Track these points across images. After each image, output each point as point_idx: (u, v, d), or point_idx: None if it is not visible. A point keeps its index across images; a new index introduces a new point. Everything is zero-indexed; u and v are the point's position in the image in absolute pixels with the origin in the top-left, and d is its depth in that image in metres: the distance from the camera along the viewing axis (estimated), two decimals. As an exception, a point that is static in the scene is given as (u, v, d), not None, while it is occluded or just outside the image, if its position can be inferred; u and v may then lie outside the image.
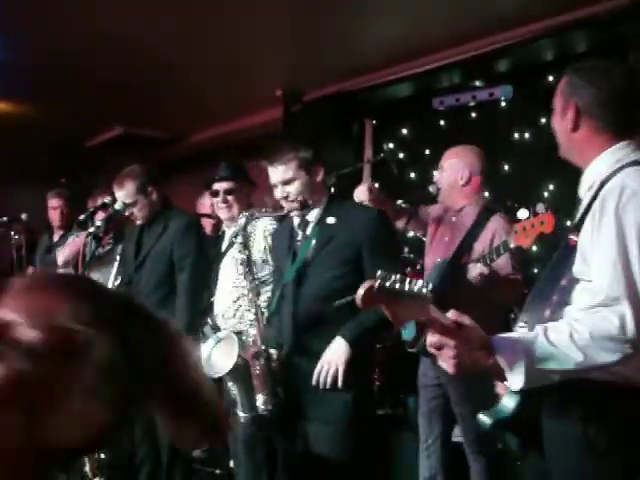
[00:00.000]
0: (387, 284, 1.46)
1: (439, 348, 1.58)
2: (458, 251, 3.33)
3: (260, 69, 5.63)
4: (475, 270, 3.10)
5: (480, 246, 3.28)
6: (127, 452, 3.58)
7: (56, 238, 5.00)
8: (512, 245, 2.91)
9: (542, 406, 1.75)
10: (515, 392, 1.69)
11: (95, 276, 4.42)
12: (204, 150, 7.59)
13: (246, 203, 3.38)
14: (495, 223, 3.35)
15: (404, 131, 6.12)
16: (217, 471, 4.46)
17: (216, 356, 2.87)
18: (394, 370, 4.36)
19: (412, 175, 5.82)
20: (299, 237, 2.87)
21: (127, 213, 3.52)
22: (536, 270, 4.19)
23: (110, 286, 3.64)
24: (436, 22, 4.63)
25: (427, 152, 5.69)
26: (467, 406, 3.19)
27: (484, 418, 1.76)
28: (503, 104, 5.17)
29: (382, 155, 4.29)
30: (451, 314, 1.59)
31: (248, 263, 2.92)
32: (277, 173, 2.79)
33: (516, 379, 1.58)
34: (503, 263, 3.20)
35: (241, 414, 2.81)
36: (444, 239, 3.52)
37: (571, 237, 1.75)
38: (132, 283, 3.61)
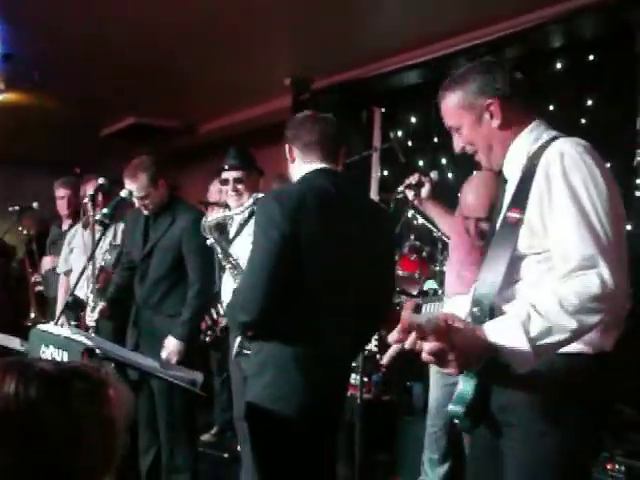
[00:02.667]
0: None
1: (439, 355, 1.57)
2: None
3: (269, 58, 5.66)
4: None
5: None
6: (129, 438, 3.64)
7: (65, 227, 5.04)
8: None
9: (495, 384, 1.78)
10: (470, 375, 1.73)
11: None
12: (214, 139, 7.65)
13: (255, 190, 3.42)
14: None
15: (412, 119, 6.12)
16: (225, 455, 4.53)
17: None
18: (399, 357, 4.39)
19: (420, 162, 5.83)
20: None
21: (137, 203, 3.57)
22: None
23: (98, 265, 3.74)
24: (444, 9, 4.62)
25: (435, 140, 5.69)
26: None
27: (456, 408, 1.76)
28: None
29: (388, 143, 4.26)
30: (443, 316, 1.60)
31: None
32: None
33: (525, 363, 1.59)
34: None
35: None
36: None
37: (509, 215, 1.77)
38: (137, 271, 3.67)
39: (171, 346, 3.42)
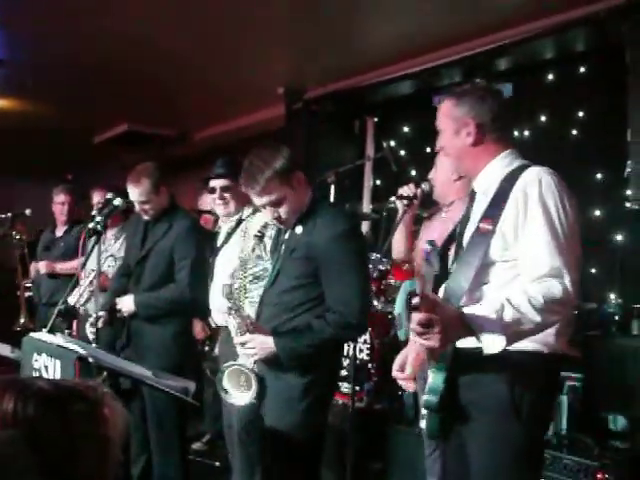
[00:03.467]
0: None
1: (427, 326, 1.78)
2: (447, 241, 3.36)
3: (262, 67, 5.69)
4: None
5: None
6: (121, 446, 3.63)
7: (59, 233, 5.04)
8: None
9: (460, 379, 2.05)
10: (439, 369, 2.01)
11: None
12: (207, 147, 7.66)
13: (244, 199, 3.42)
14: None
15: (405, 129, 6.16)
16: (216, 463, 4.52)
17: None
18: (391, 365, 4.39)
19: (413, 172, 5.86)
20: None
21: (138, 207, 3.60)
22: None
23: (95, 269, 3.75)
24: (436, 21, 4.67)
25: (428, 150, 5.72)
26: None
27: (430, 398, 2.00)
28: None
29: (381, 152, 4.28)
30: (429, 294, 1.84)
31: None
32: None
33: (496, 344, 1.84)
34: None
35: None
36: (433, 234, 3.54)
37: (482, 225, 2.04)
38: (133, 275, 3.68)
39: (125, 301, 3.55)
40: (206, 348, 4.48)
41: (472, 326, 1.85)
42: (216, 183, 3.38)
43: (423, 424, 2.16)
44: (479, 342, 1.85)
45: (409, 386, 2.31)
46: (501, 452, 2.01)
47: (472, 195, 2.25)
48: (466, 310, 1.89)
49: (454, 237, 3.30)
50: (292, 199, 2.68)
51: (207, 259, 3.54)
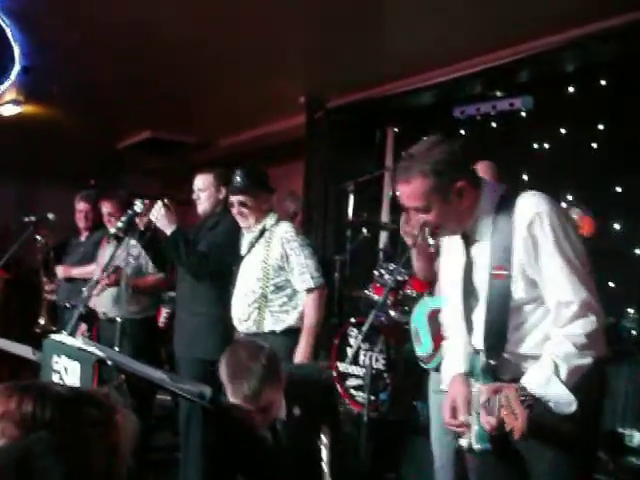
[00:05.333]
0: None
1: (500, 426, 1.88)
2: None
3: (285, 76, 5.74)
4: None
5: None
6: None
7: (82, 239, 5.14)
8: None
9: None
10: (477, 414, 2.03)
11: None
12: (229, 155, 7.72)
13: (264, 210, 3.45)
14: None
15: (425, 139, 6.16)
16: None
17: None
18: (406, 376, 4.39)
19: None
20: None
21: (194, 196, 3.73)
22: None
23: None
24: (458, 33, 4.69)
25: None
26: None
27: (484, 446, 2.04)
28: (523, 114, 5.21)
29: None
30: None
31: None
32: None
33: (567, 406, 1.88)
34: None
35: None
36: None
37: (496, 272, 2.03)
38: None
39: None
40: None
41: (541, 401, 1.89)
42: (234, 199, 3.43)
43: (463, 442, 2.12)
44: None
45: (463, 431, 2.17)
46: (562, 459, 2.03)
47: (465, 239, 2.16)
48: (530, 384, 1.91)
49: None
50: None
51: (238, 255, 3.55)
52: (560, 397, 1.89)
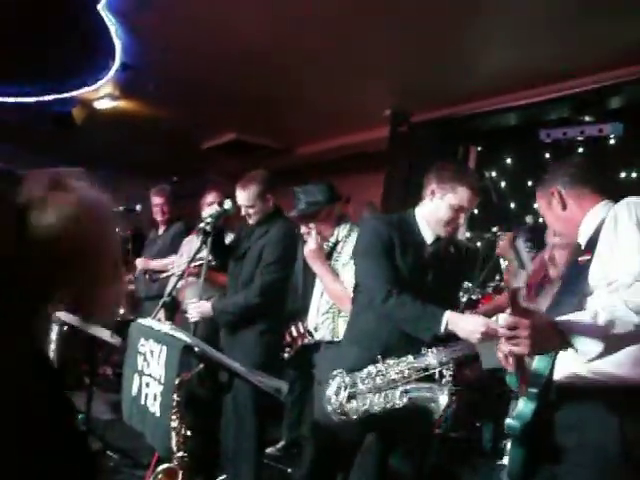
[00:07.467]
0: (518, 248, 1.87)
1: (514, 328, 1.76)
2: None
3: (371, 88, 5.80)
4: None
5: None
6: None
7: (160, 232, 5.33)
8: None
9: (557, 418, 1.97)
10: (531, 398, 1.96)
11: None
12: (310, 162, 7.82)
13: (333, 220, 3.47)
14: None
15: (508, 160, 6.12)
16: (288, 470, 4.58)
17: None
18: (472, 395, 4.37)
19: (512, 205, 5.82)
20: None
21: (243, 211, 3.73)
22: None
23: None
24: (548, 55, 4.66)
25: (529, 183, 5.68)
26: None
27: (513, 423, 1.97)
28: (612, 141, 5.11)
29: (482, 182, 4.28)
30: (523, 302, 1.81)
31: None
32: None
33: (593, 349, 1.75)
34: None
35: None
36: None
37: (580, 259, 2.06)
38: (231, 275, 3.84)
39: (203, 306, 3.63)
40: (285, 355, 4.50)
41: (565, 332, 1.77)
42: (298, 219, 3.49)
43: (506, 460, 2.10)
44: (574, 349, 1.77)
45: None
46: None
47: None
48: (561, 318, 1.81)
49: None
50: None
51: (303, 265, 3.61)
52: (587, 339, 1.75)
